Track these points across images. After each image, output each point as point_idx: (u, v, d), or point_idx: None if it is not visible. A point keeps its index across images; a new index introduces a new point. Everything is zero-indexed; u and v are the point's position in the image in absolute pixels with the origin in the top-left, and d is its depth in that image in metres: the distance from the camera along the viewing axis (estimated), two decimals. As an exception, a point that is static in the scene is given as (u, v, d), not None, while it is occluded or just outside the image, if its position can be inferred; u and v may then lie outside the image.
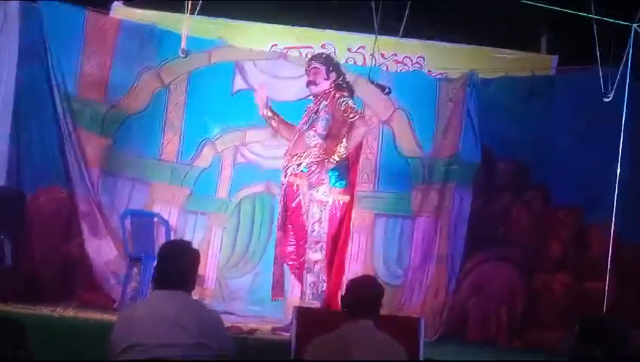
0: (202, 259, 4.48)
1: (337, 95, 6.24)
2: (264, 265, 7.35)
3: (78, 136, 7.25)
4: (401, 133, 7.76)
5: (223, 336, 3.75)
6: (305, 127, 6.24)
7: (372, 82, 7.16)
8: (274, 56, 7.89)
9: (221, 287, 7.44)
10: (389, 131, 7.78)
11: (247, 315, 7.02)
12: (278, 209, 6.38)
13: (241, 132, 7.69)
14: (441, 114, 7.70)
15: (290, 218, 6.23)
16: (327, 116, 6.19)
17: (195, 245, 4.01)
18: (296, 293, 7.37)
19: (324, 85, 6.29)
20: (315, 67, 6.31)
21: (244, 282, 7.48)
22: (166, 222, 7.20)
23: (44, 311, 5.99)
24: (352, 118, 6.12)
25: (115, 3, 7.96)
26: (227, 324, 4.35)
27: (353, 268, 7.47)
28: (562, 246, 7.25)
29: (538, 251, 7.29)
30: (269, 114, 6.50)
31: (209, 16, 7.57)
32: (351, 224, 6.42)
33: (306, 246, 6.08)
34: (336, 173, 6.16)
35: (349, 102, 6.23)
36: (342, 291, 3.77)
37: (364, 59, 8.08)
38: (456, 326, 7.19)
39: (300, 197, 6.16)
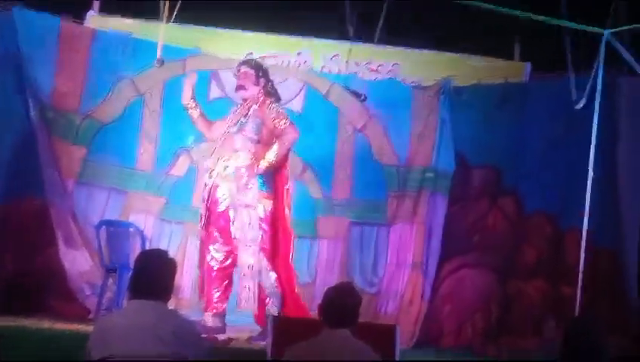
0: (178, 268, 4.47)
1: (267, 101, 6.35)
2: (239, 274, 7.33)
3: (53, 145, 7.22)
4: (376, 141, 7.79)
5: (199, 345, 3.74)
6: (233, 130, 6.27)
7: (347, 89, 7.20)
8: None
9: (197, 297, 7.42)
10: (363, 139, 7.81)
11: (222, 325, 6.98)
12: (201, 211, 6.38)
13: (217, 140, 7.69)
14: (415, 121, 7.74)
15: (216, 222, 6.25)
16: (257, 121, 6.27)
17: (170, 254, 4.00)
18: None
19: (253, 90, 6.38)
20: (244, 72, 6.39)
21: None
22: (141, 232, 7.18)
23: (19, 322, 5.94)
24: (282, 124, 6.24)
25: (90, 12, 7.95)
26: (202, 335, 4.33)
27: (329, 276, 7.51)
28: (537, 251, 7.27)
29: (513, 257, 7.32)
30: (193, 104, 6.51)
31: (184, 24, 7.57)
32: (287, 227, 6.48)
33: (236, 251, 6.13)
34: (262, 178, 6.23)
35: (279, 108, 6.38)
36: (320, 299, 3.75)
37: (339, 67, 8.11)
38: (431, 333, 7.22)
39: (227, 200, 6.18)
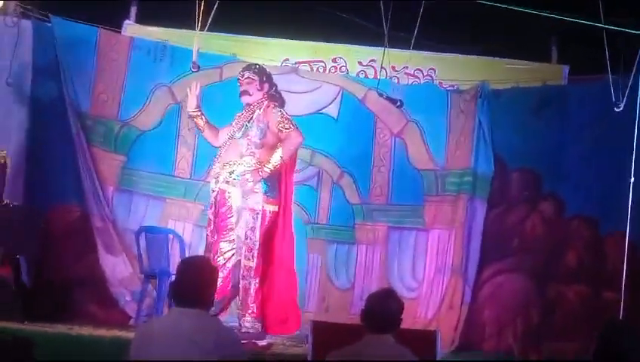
0: (218, 274, 4.48)
1: (271, 105, 6.33)
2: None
3: (92, 153, 7.30)
4: (413, 146, 7.77)
5: (239, 354, 3.74)
6: (238, 135, 6.27)
7: (383, 95, 7.18)
8: (285, 71, 7.92)
9: (235, 303, 7.44)
10: (401, 144, 7.79)
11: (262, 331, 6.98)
12: (209, 216, 6.35)
13: (253, 146, 7.71)
14: (453, 126, 7.71)
15: (219, 225, 6.24)
16: (261, 126, 6.25)
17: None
18: (312, 307, 7.42)
19: (257, 95, 6.36)
20: (248, 77, 6.37)
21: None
22: (180, 238, 7.20)
23: (61, 329, 5.99)
24: (287, 128, 6.23)
25: (127, 22, 8.02)
26: (243, 341, 4.34)
27: (367, 282, 7.50)
28: (577, 256, 7.19)
29: (553, 261, 7.25)
30: (197, 113, 6.52)
31: (220, 32, 7.60)
32: (292, 233, 6.48)
33: (239, 255, 6.13)
34: (268, 183, 6.20)
35: (283, 112, 6.34)
36: (362, 305, 3.74)
37: (375, 72, 8.09)
38: (472, 338, 7.18)
39: (231, 204, 6.18)
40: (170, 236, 7.14)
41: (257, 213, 6.15)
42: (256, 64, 6.65)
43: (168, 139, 7.63)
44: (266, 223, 6.20)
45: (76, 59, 7.36)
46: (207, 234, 6.40)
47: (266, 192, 6.19)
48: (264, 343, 6.04)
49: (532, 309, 7.19)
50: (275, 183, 6.30)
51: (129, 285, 7.18)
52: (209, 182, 7.39)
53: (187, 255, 6.66)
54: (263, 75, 6.44)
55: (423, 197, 7.68)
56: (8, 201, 6.46)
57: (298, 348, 5.81)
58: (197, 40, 6.91)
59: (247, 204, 6.13)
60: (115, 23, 7.88)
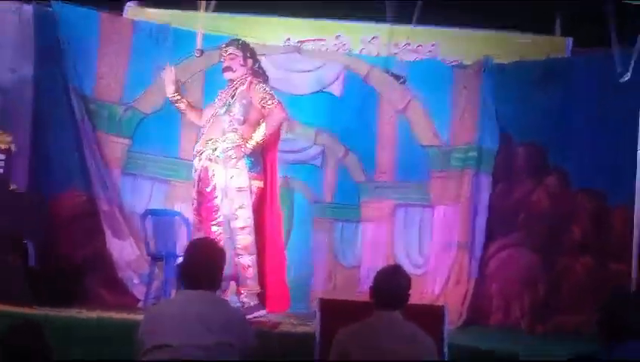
0: (225, 255, 4.49)
1: (254, 81, 6.30)
2: (287, 260, 7.37)
3: (97, 137, 7.31)
4: (417, 122, 7.75)
5: (247, 333, 3.76)
6: (221, 112, 6.24)
7: (387, 72, 7.16)
8: (288, 50, 7.90)
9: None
10: (405, 121, 7.78)
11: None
12: (192, 194, 6.33)
13: (258, 126, 7.70)
14: (457, 101, 7.69)
15: (205, 206, 6.21)
16: (244, 102, 6.22)
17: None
18: (319, 285, 7.44)
19: (241, 71, 6.31)
20: (231, 53, 6.30)
21: (267, 276, 7.50)
22: (187, 221, 7.19)
23: (70, 312, 6.02)
24: (270, 104, 6.21)
25: (128, 4, 7.99)
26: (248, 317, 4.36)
27: (374, 259, 7.50)
28: (583, 228, 7.20)
29: (559, 235, 7.25)
30: (177, 97, 6.51)
31: (222, 12, 7.58)
32: (278, 209, 6.49)
33: (225, 233, 6.11)
34: (252, 159, 6.19)
35: (267, 88, 6.32)
36: (370, 282, 3.76)
37: (378, 50, 8.07)
38: (479, 313, 7.21)
39: (215, 182, 6.15)
40: (177, 218, 7.14)
41: (246, 190, 6.13)
42: (239, 39, 6.57)
43: (172, 122, 7.60)
44: (253, 199, 6.20)
45: (78, 43, 7.34)
46: (192, 214, 6.37)
47: (250, 169, 6.17)
48: (272, 322, 6.05)
49: (539, 283, 7.21)
50: (259, 159, 6.29)
51: (137, 268, 7.21)
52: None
53: (193, 237, 6.66)
54: (247, 51, 6.38)
55: (428, 174, 7.68)
56: (15, 187, 6.47)
57: (306, 327, 5.83)
58: (201, 25, 6.89)
59: (233, 183, 6.10)
60: (116, 6, 7.86)
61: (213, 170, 6.15)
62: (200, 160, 6.19)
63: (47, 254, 6.96)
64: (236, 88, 6.26)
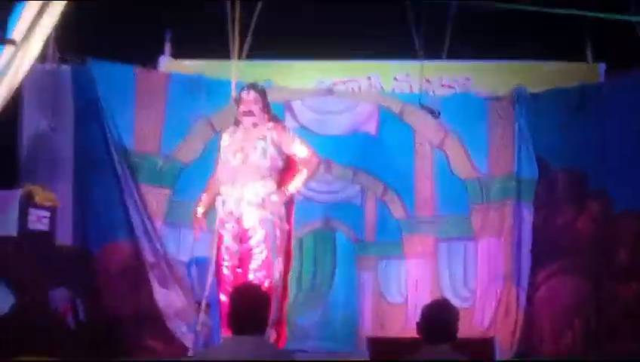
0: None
1: (280, 126, 6.25)
2: (332, 301, 7.38)
3: (139, 189, 7.39)
4: (454, 156, 7.75)
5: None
6: (254, 157, 6.06)
7: (421, 106, 7.19)
8: (321, 93, 7.97)
9: (290, 325, 7.43)
10: (442, 155, 7.78)
11: (320, 351, 7.01)
12: (229, 245, 6.05)
13: (295, 171, 7.75)
14: (492, 132, 7.70)
15: (247, 253, 6.03)
16: (278, 147, 6.11)
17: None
18: (367, 324, 7.42)
19: (260, 116, 6.15)
20: (255, 97, 6.16)
21: (314, 318, 7.48)
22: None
23: (120, 364, 6.07)
24: (304, 150, 6.15)
25: (162, 57, 8.14)
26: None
27: (420, 294, 7.47)
28: (629, 252, 7.12)
29: (605, 259, 7.18)
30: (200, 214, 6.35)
31: (255, 59, 7.68)
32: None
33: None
34: (284, 205, 6.13)
35: (296, 134, 6.34)
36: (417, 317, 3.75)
37: (410, 86, 8.12)
38: (530, 343, 7.14)
39: (251, 227, 6.02)
40: (221, 265, 7.14)
41: (277, 233, 6.07)
42: (257, 83, 6.43)
43: (211, 170, 7.66)
44: (285, 243, 6.16)
45: (116, 99, 7.47)
46: (225, 267, 6.09)
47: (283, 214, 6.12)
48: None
49: (588, 309, 7.12)
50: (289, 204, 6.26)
51: (184, 317, 7.22)
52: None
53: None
54: (266, 96, 6.27)
55: (468, 207, 7.66)
56: (60, 243, 6.56)
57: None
58: (234, 72, 6.97)
59: (267, 226, 6.01)
60: (150, 60, 8.00)
61: (249, 216, 6.06)
62: (238, 206, 6.06)
63: (95, 307, 7.02)
64: (261, 133, 6.16)
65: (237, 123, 6.26)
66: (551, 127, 7.50)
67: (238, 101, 6.21)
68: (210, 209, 6.26)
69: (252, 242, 6.01)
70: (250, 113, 6.13)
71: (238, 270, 6.06)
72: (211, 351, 4.94)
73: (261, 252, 5.99)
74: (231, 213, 6.04)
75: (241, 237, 6.05)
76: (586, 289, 7.21)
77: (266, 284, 5.84)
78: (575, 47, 8.12)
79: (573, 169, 7.42)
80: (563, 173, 7.45)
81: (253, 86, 6.27)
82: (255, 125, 6.14)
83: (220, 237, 6.11)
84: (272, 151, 6.11)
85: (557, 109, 7.55)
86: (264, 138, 6.11)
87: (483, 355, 4.21)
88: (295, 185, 6.15)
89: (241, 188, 6.04)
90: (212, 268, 6.14)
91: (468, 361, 3.67)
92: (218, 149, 6.32)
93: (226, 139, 6.24)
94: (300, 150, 6.17)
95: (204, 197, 6.30)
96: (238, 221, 6.04)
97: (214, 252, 6.15)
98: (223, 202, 6.09)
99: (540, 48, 7.98)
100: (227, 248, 6.08)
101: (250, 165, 6.06)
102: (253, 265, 5.98)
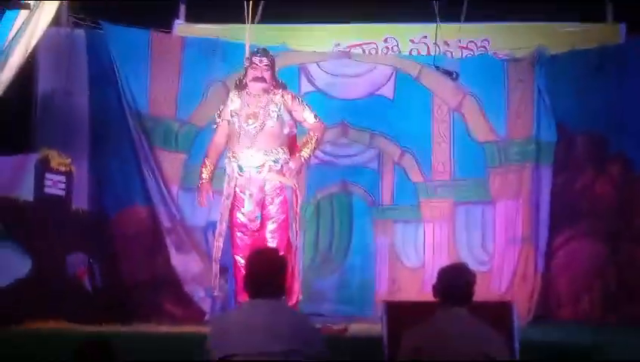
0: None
1: (291, 95, 6.26)
2: (349, 264, 7.37)
3: (154, 154, 7.38)
4: (472, 119, 7.69)
5: (316, 340, 3.76)
6: (270, 124, 6.08)
7: (438, 68, 7.12)
8: (337, 55, 7.91)
9: (307, 289, 7.43)
10: (459, 118, 7.72)
11: (336, 315, 7.02)
12: (249, 205, 6.05)
13: (312, 134, 7.71)
14: (511, 95, 7.61)
15: (265, 211, 6.08)
16: (292, 114, 6.17)
17: (278, 250, 4.04)
18: (383, 288, 7.41)
19: (271, 83, 6.18)
20: (267, 64, 6.16)
21: (331, 282, 7.49)
22: (249, 231, 7.23)
23: (137, 328, 6.08)
24: (313, 118, 6.20)
25: (177, 21, 8.09)
26: (317, 325, 4.35)
27: (437, 259, 7.45)
28: (650, 214, 7.07)
29: (625, 222, 7.12)
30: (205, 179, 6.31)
31: (269, 23, 7.62)
32: None
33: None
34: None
35: (306, 102, 6.33)
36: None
37: (428, 48, 8.03)
38: (548, 307, 7.13)
39: (270, 191, 6.07)
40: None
41: (291, 191, 6.12)
42: (267, 49, 6.40)
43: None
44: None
45: (131, 63, 7.45)
46: (240, 231, 6.11)
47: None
48: (341, 326, 6.04)
49: (607, 272, 7.08)
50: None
51: (202, 281, 7.23)
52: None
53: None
54: (275, 63, 6.30)
55: (486, 170, 7.60)
56: (77, 207, 6.57)
57: (373, 330, 5.80)
58: (248, 34, 6.92)
59: (284, 190, 6.09)
60: (165, 24, 7.96)
61: (277, 181, 6.09)
62: (260, 171, 6.08)
63: (112, 272, 7.07)
64: (273, 100, 6.15)
65: (242, 86, 6.27)
66: (570, 89, 7.41)
67: (249, 66, 6.18)
68: (215, 171, 6.30)
69: (272, 207, 6.07)
70: (262, 79, 6.15)
71: (256, 234, 6.07)
72: (229, 314, 4.95)
73: (280, 216, 6.07)
74: (251, 178, 6.05)
75: (263, 202, 6.06)
76: (604, 253, 7.16)
77: (283, 248, 5.91)
78: (595, 7, 8.00)
79: (592, 132, 7.33)
80: (582, 136, 7.38)
81: (265, 52, 6.27)
82: (265, 91, 6.15)
83: (237, 202, 6.10)
84: (286, 117, 6.15)
85: (576, 71, 7.46)
86: (277, 105, 6.13)
87: (501, 319, 4.17)
88: (308, 151, 6.19)
89: (263, 154, 6.06)
90: (223, 232, 6.13)
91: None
92: (219, 112, 6.30)
93: (235, 102, 6.21)
94: (309, 116, 6.23)
95: (208, 161, 6.32)
96: (261, 187, 6.05)
97: (226, 215, 6.14)
98: (240, 167, 6.08)
99: (558, 9, 7.87)
100: (246, 213, 6.09)
101: (268, 131, 6.09)
102: (272, 228, 6.06)
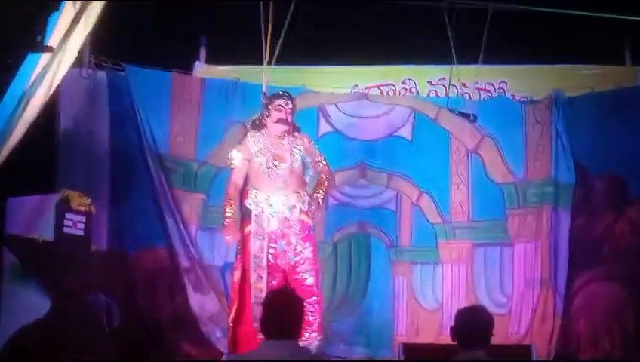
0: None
1: (306, 138, 6.31)
2: (367, 306, 7.34)
3: (173, 194, 7.42)
4: (490, 160, 7.69)
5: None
6: (296, 166, 6.14)
7: (455, 111, 7.15)
8: (356, 96, 7.95)
9: (325, 331, 7.42)
10: (478, 159, 7.73)
11: (353, 357, 6.98)
12: (267, 255, 5.97)
13: (331, 175, 7.73)
14: (529, 136, 7.62)
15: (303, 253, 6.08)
16: (308, 159, 6.23)
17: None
18: (402, 330, 7.38)
19: (291, 126, 6.22)
20: (291, 108, 6.20)
21: (348, 324, 7.45)
22: (266, 272, 7.22)
23: (156, 369, 6.08)
24: (324, 163, 6.30)
25: (197, 63, 8.16)
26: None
27: (455, 301, 7.42)
28: (669, 260, 7.02)
29: (645, 267, 7.09)
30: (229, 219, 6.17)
31: (287, 65, 7.68)
32: None
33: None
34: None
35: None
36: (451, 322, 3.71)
37: (446, 90, 8.07)
38: (568, 350, 7.05)
39: (307, 233, 6.10)
40: (255, 270, 7.13)
41: (306, 243, 6.09)
42: (290, 93, 6.44)
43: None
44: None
45: (151, 104, 7.53)
46: (267, 271, 5.98)
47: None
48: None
49: (627, 315, 7.03)
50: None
51: (219, 321, 7.23)
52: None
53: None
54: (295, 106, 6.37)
55: (504, 211, 7.59)
56: (96, 248, 6.59)
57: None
58: (265, 74, 6.97)
59: (297, 237, 6.06)
60: (185, 66, 8.03)
61: (306, 222, 6.11)
62: (292, 212, 6.06)
63: (130, 312, 7.07)
64: (295, 142, 6.20)
65: (260, 127, 6.28)
66: (589, 131, 7.41)
67: (271, 107, 6.22)
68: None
69: (302, 248, 6.05)
70: (285, 122, 6.19)
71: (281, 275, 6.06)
72: (245, 356, 4.94)
73: (310, 256, 6.07)
74: (284, 219, 6.03)
75: (294, 243, 6.05)
76: (623, 296, 7.11)
77: (317, 286, 6.00)
78: (612, 50, 8.02)
79: (611, 174, 7.32)
80: (601, 179, 7.36)
81: (290, 96, 6.32)
82: (285, 134, 6.19)
83: (270, 242, 6.03)
84: (308, 160, 6.22)
85: (595, 113, 7.46)
86: (299, 148, 6.18)
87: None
88: (322, 193, 6.27)
89: (295, 196, 6.09)
90: (264, 273, 5.98)
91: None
92: (237, 154, 6.22)
93: (256, 143, 6.22)
94: (322, 160, 6.31)
95: (231, 200, 6.17)
96: (292, 227, 6.04)
97: (263, 255, 6.00)
98: (272, 207, 6.04)
99: (576, 51, 7.90)
100: (279, 254, 6.01)
101: (295, 173, 6.14)
102: (306, 268, 6.05)
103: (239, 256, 6.14)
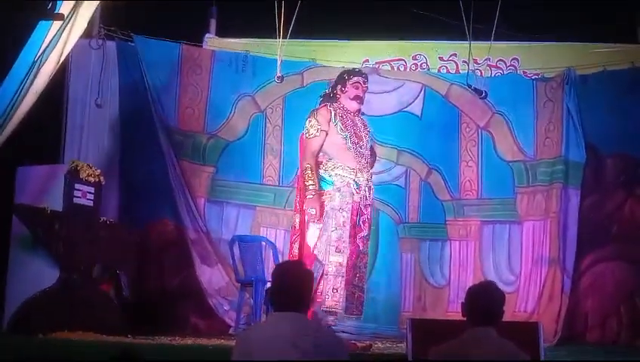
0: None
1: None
2: (374, 282, 7.34)
3: (182, 167, 7.42)
4: (500, 138, 7.66)
5: (340, 355, 3.74)
6: (370, 142, 6.12)
7: (468, 87, 7.10)
8: (366, 71, 7.86)
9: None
10: (488, 137, 7.70)
11: (361, 332, 6.99)
12: (347, 220, 5.78)
13: (340, 149, 7.71)
14: (540, 115, 7.58)
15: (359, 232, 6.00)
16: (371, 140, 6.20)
17: (304, 266, 4.02)
18: (409, 306, 7.38)
19: (363, 104, 6.15)
20: (367, 86, 6.13)
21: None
22: (273, 245, 7.22)
23: (163, 340, 6.09)
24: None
25: (207, 35, 8.13)
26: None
27: (463, 277, 7.42)
28: (678, 239, 6.99)
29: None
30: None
31: (299, 38, 7.64)
32: None
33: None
34: None
35: None
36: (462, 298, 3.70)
37: (457, 66, 8.03)
38: (575, 329, 7.06)
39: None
40: (263, 243, 7.17)
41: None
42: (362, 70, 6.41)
43: (255, 148, 7.70)
44: None
45: (161, 76, 7.50)
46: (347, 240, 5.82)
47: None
48: (365, 344, 6.01)
49: (635, 296, 7.02)
50: None
51: (226, 294, 7.27)
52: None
53: (280, 260, 6.68)
54: None
55: (514, 189, 7.57)
56: (105, 219, 6.60)
57: (398, 348, 5.78)
58: (280, 52, 6.92)
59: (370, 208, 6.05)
60: (196, 38, 8.00)
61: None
62: (370, 193, 5.99)
63: (138, 284, 7.10)
64: (365, 124, 6.13)
65: (333, 100, 6.08)
66: (600, 110, 7.37)
67: (348, 83, 6.06)
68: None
69: (366, 229, 5.99)
70: (360, 100, 6.06)
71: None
72: (253, 328, 4.94)
73: (366, 236, 6.01)
74: (365, 196, 5.96)
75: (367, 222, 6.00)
76: (631, 276, 7.10)
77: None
78: (625, 28, 7.95)
79: (622, 154, 7.29)
80: (612, 158, 7.33)
81: (367, 75, 6.19)
82: (357, 112, 6.08)
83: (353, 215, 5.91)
84: (370, 138, 6.17)
85: (607, 92, 7.42)
86: (368, 128, 6.13)
87: (527, 340, 4.14)
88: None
89: (374, 175, 6.13)
90: (347, 249, 5.78)
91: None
92: (316, 124, 5.89)
93: (337, 116, 5.96)
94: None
95: (314, 172, 5.82)
96: (367, 205, 5.98)
97: (347, 228, 5.81)
98: (357, 184, 5.91)
99: (589, 29, 7.84)
100: (357, 231, 5.92)
101: (369, 153, 6.07)
102: (365, 250, 6.01)
103: (298, 229, 5.91)
